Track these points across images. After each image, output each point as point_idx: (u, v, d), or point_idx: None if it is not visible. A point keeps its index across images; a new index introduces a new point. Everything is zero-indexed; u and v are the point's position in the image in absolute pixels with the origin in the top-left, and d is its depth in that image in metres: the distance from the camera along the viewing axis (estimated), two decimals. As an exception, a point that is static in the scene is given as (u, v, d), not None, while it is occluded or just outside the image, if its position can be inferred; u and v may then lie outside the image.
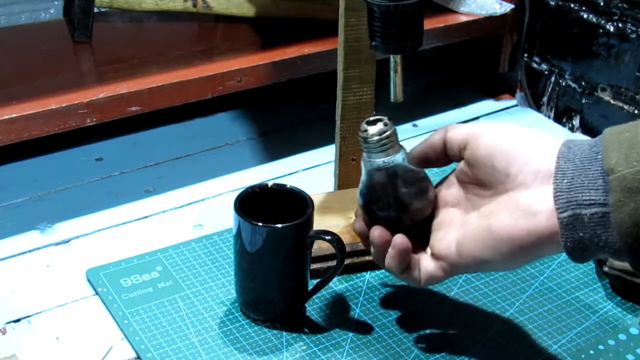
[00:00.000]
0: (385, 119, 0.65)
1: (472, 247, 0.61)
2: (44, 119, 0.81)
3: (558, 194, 0.56)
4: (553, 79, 1.10)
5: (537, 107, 1.14)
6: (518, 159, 0.59)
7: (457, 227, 0.64)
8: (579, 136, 1.07)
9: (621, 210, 0.53)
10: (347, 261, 0.73)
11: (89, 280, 0.77)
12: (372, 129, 0.65)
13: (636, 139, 0.54)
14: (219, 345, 0.70)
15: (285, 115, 1.10)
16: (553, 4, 1.07)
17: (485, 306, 0.76)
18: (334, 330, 0.72)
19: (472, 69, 1.20)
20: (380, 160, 0.65)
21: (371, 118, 0.65)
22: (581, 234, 0.55)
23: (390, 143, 0.65)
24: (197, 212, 0.89)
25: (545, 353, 0.71)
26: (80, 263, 0.80)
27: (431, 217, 0.66)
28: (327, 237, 0.70)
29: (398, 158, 0.65)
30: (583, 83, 1.06)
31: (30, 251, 0.82)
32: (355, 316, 0.74)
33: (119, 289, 0.75)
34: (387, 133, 0.64)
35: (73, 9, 0.97)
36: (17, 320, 0.73)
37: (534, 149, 0.59)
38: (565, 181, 0.56)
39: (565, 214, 0.55)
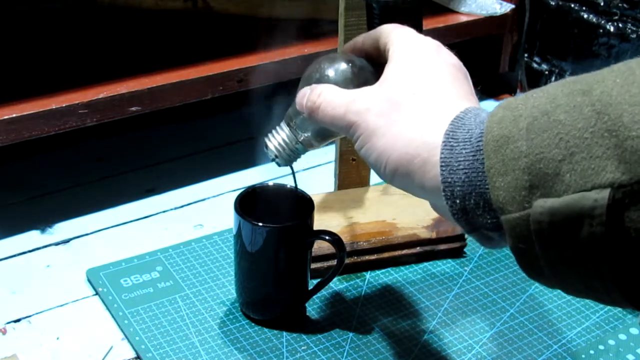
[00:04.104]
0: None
1: None
2: (44, 119, 0.81)
3: (456, 215, 0.48)
4: (553, 79, 1.10)
5: (537, 107, 1.14)
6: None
7: None
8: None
9: (523, 257, 0.46)
10: (347, 261, 0.73)
11: (89, 280, 0.77)
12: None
13: (519, 159, 0.44)
14: (219, 345, 0.70)
15: (285, 115, 1.10)
16: (553, 4, 1.07)
17: (486, 306, 0.76)
18: (334, 330, 0.72)
19: (472, 69, 1.19)
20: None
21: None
22: (489, 245, 0.50)
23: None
24: (197, 212, 0.89)
25: (545, 353, 0.71)
26: (80, 263, 0.80)
27: None
28: (327, 237, 0.71)
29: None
30: (583, 83, 1.06)
31: (30, 251, 0.82)
32: (355, 316, 0.74)
33: (119, 289, 0.75)
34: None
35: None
36: (17, 320, 0.73)
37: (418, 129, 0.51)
38: (458, 201, 0.48)
39: (467, 228, 0.49)
